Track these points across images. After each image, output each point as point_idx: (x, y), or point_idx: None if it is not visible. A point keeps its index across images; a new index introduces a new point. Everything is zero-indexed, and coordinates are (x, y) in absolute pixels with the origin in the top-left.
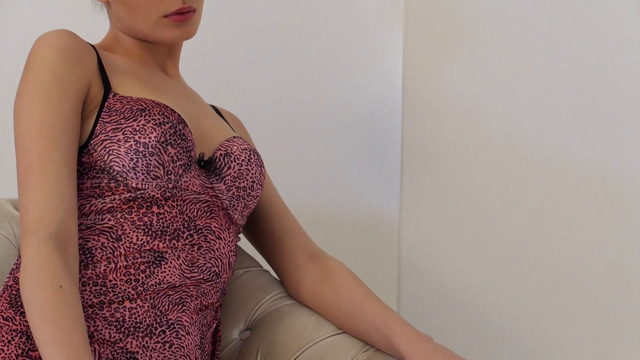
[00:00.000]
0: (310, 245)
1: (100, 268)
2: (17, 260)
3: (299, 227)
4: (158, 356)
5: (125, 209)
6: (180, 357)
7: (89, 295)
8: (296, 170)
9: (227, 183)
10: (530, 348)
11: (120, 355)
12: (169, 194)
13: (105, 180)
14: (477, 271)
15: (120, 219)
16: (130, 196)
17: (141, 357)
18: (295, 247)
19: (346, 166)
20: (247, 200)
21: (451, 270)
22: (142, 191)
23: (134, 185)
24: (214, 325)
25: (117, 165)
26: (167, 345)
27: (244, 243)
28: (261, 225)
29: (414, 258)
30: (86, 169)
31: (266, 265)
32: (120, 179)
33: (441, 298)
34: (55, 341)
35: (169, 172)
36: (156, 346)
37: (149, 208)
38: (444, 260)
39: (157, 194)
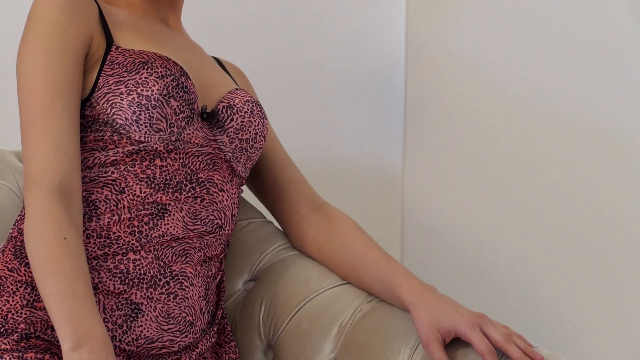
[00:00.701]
0: (313, 196)
1: (104, 220)
2: (21, 211)
3: (302, 178)
4: (162, 307)
5: (129, 161)
6: (184, 308)
7: (93, 247)
8: (299, 122)
9: (230, 135)
10: (531, 297)
11: (125, 306)
12: (172, 147)
13: (108, 134)
14: (479, 222)
15: (124, 172)
16: (133, 149)
17: (145, 308)
18: (299, 198)
19: (349, 118)
20: (250, 153)
21: (454, 222)
22: (145, 144)
23: (136, 138)
24: (219, 276)
25: (120, 118)
26: (172, 296)
27: (248, 194)
28: (264, 177)
29: (417, 210)
30: (89, 122)
31: (270, 217)
32: (123, 132)
33: (444, 249)
34: (60, 292)
35: (172, 125)
36: (160, 297)
37: (152, 161)
38: (447, 212)
39: (160, 146)
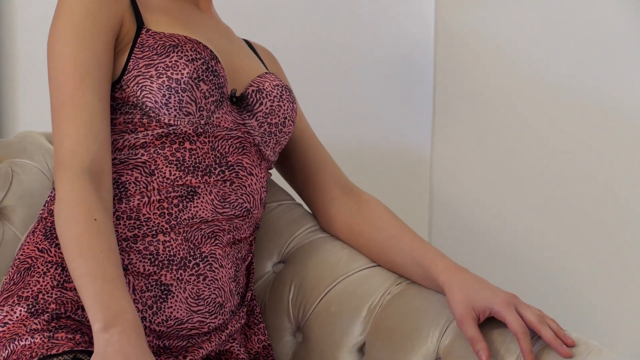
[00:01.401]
0: (343, 179)
1: (134, 202)
2: (51, 192)
3: (332, 161)
4: (192, 288)
5: (158, 144)
6: (214, 290)
7: (123, 229)
8: (328, 107)
9: (259, 119)
10: (558, 280)
11: (155, 288)
12: (201, 130)
13: (138, 116)
14: (507, 206)
15: (153, 154)
16: (162, 132)
17: (175, 290)
18: (329, 180)
19: (378, 103)
20: (278, 137)
21: (482, 205)
22: (174, 127)
23: (166, 121)
24: (249, 258)
25: (149, 101)
26: (201, 277)
27: (277, 177)
28: (294, 160)
29: (445, 194)
30: (119, 104)
31: (299, 200)
32: (152, 114)
33: (472, 232)
34: (90, 273)
35: (201, 109)
36: (190, 278)
37: (182, 144)
38: (475, 196)
39: (190, 129)
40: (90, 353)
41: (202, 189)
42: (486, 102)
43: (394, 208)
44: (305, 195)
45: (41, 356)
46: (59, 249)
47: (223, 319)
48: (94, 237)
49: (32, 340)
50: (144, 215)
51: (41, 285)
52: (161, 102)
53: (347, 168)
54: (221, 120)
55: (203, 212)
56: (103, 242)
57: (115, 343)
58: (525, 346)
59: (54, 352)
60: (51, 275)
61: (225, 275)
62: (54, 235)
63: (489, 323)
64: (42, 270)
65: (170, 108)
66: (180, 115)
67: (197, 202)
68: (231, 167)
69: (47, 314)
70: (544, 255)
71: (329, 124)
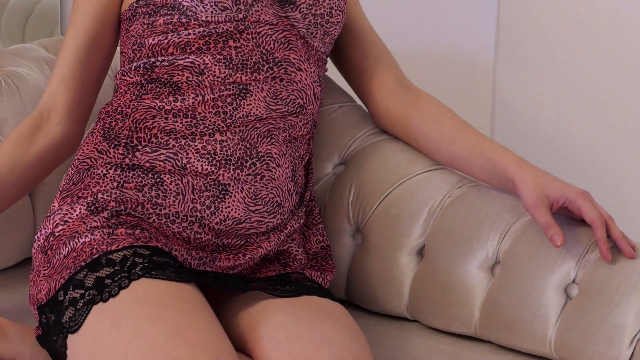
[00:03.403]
0: (401, 75)
1: (188, 101)
2: (115, 92)
3: (391, 57)
4: (249, 188)
5: (202, 44)
6: (271, 189)
7: (181, 127)
8: (391, 10)
9: (303, 11)
10: (619, 194)
11: (213, 187)
12: (242, 27)
13: (177, 16)
14: (570, 117)
15: (200, 54)
16: (204, 31)
17: (232, 189)
18: (387, 73)
19: (442, 8)
20: (326, 28)
21: (545, 114)
22: (214, 26)
23: (204, 18)
24: (307, 157)
25: (185, 1)
26: (258, 177)
27: (338, 78)
28: (351, 52)
29: (508, 101)
30: (158, 7)
31: (360, 102)
32: (190, 13)
33: (535, 142)
34: None
35: (238, 2)
36: (247, 178)
37: (226, 42)
38: (538, 107)
39: (230, 27)
40: (150, 248)
41: (253, 86)
42: (552, 8)
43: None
44: (360, 85)
45: (101, 252)
46: (118, 150)
47: (281, 218)
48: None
49: (92, 237)
50: (199, 114)
51: (101, 186)
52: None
53: (409, 73)
54: (261, 14)
55: (257, 109)
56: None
57: None
58: (601, 234)
59: (113, 247)
60: (110, 176)
61: (282, 175)
62: (113, 136)
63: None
64: (102, 171)
65: (206, 4)
66: (216, 10)
67: (250, 100)
68: (279, 64)
69: (107, 211)
70: (606, 167)
71: (391, 29)
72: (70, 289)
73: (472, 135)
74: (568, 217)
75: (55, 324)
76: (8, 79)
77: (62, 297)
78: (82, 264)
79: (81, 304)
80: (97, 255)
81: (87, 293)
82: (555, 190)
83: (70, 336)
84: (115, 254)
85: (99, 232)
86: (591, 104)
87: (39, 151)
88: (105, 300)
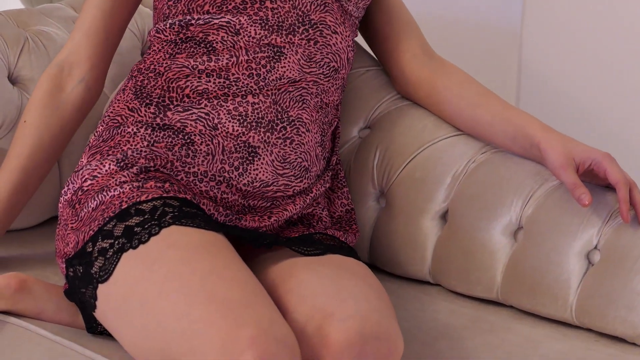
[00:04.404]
0: (426, 44)
1: (222, 61)
2: (149, 49)
3: (416, 25)
4: (279, 152)
5: (239, 3)
6: (300, 154)
7: (214, 87)
8: None
9: None
10: None
11: (242, 149)
12: None
13: None
14: (597, 87)
15: (236, 14)
16: None
17: (262, 152)
18: (413, 40)
19: None
20: None
21: (571, 86)
22: None
23: None
24: (335, 123)
25: None
26: (288, 141)
27: (362, 43)
28: (378, 16)
29: (534, 74)
30: None
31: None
32: None
33: (560, 112)
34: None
35: None
36: (277, 142)
37: (262, 3)
38: (564, 75)
39: None
40: (180, 200)
41: (287, 48)
42: None
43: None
44: (384, 49)
45: (130, 203)
46: (149, 108)
47: (308, 182)
48: (14, 138)
49: (121, 190)
50: (233, 74)
51: (131, 145)
52: None
53: (434, 41)
54: None
55: (290, 72)
56: (14, 147)
57: None
58: (624, 195)
59: (143, 198)
60: (141, 135)
61: (311, 140)
62: (144, 94)
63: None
64: (133, 130)
65: None
66: None
67: (284, 63)
68: (315, 26)
69: (136, 167)
70: (635, 130)
71: None
72: (99, 240)
73: (497, 102)
74: (591, 184)
75: (83, 276)
76: (36, 38)
77: (91, 249)
78: (111, 214)
79: (111, 253)
80: (126, 206)
81: (116, 242)
82: (582, 152)
83: (100, 286)
84: (144, 204)
85: (128, 185)
86: (618, 72)
87: (64, 117)
88: (135, 247)
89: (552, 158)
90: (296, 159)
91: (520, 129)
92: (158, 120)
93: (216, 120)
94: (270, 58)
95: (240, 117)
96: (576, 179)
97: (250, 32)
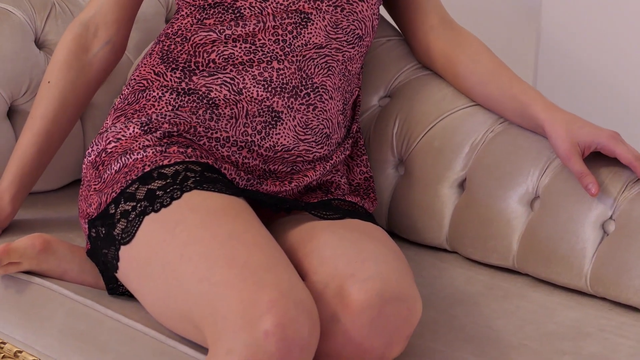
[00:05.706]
0: (444, 12)
1: (249, 27)
2: (176, 14)
3: None
4: (302, 117)
5: None
6: (322, 120)
7: (239, 52)
8: None
9: None
10: None
11: (266, 114)
12: None
13: None
14: (616, 63)
15: None
16: None
17: (285, 117)
18: (430, 8)
19: None
20: None
21: (590, 62)
22: None
23: None
24: (356, 92)
25: None
26: (311, 107)
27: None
28: None
29: (552, 49)
30: None
31: None
32: None
33: (578, 88)
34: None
35: None
36: (300, 107)
37: None
38: (583, 51)
39: None
40: (201, 165)
41: (314, 15)
42: None
43: (500, 53)
44: (403, 20)
45: (153, 167)
46: (175, 73)
47: (329, 149)
48: (38, 98)
49: (144, 154)
50: (259, 40)
51: (155, 109)
52: None
53: (454, 9)
54: None
55: (316, 38)
56: (38, 107)
57: None
58: None
59: (165, 162)
60: (166, 99)
61: (334, 107)
62: (171, 59)
63: (586, 162)
64: (158, 94)
65: None
66: None
67: (311, 29)
68: None
69: (160, 132)
70: None
71: None
72: (122, 202)
73: (507, 78)
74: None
75: (106, 237)
76: (62, 3)
77: (114, 210)
78: (134, 177)
79: (133, 216)
80: (148, 170)
81: (138, 205)
82: (586, 136)
83: (122, 248)
84: (167, 169)
85: (151, 149)
86: (637, 41)
87: (90, 78)
88: (157, 211)
89: (557, 145)
90: (318, 125)
91: (526, 107)
92: (183, 85)
93: (241, 85)
94: (297, 24)
95: (265, 83)
96: (582, 167)
97: None
